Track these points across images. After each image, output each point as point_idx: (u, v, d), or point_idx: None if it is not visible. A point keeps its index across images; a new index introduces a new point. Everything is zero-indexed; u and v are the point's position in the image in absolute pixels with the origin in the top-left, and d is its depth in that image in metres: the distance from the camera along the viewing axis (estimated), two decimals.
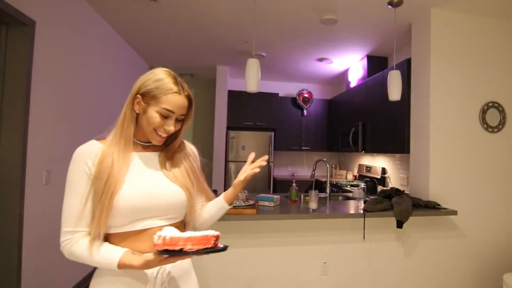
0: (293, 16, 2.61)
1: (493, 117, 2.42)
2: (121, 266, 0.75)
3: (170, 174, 0.90)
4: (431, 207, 2.16)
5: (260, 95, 4.47)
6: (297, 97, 4.67)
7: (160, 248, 0.67)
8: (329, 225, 2.12)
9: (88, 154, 0.82)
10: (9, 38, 1.75)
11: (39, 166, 1.95)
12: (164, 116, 0.84)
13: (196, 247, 0.68)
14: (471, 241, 2.36)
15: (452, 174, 2.34)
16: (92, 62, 2.63)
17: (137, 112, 0.86)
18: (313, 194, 2.08)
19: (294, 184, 2.39)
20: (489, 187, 2.40)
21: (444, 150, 2.34)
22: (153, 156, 0.92)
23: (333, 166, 4.91)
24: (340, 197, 2.79)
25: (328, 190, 2.54)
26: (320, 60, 3.80)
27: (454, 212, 2.15)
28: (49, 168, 2.06)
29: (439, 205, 2.21)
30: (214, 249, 0.71)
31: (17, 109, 1.75)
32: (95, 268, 0.84)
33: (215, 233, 0.73)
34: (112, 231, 0.81)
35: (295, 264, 2.08)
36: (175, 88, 0.85)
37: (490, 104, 2.42)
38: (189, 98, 0.89)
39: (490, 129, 2.41)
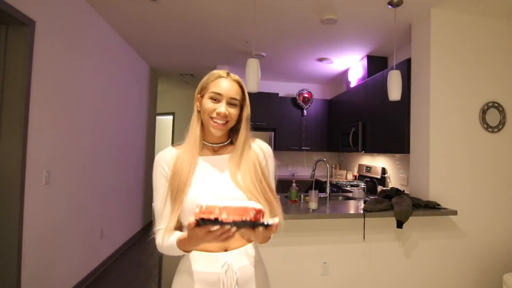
0: (293, 16, 2.61)
1: (493, 117, 2.42)
2: (180, 244, 0.79)
3: (235, 177, 0.90)
4: (431, 207, 2.16)
5: (260, 95, 4.47)
6: (297, 97, 4.67)
7: (197, 217, 0.65)
8: (329, 225, 2.12)
9: (164, 159, 0.91)
10: (9, 38, 1.75)
11: (39, 166, 1.95)
12: (214, 100, 0.88)
13: (231, 217, 0.64)
14: (471, 241, 2.36)
15: (452, 174, 2.34)
16: (92, 62, 2.63)
17: (198, 110, 0.92)
18: (313, 194, 2.08)
19: (294, 184, 2.39)
20: (489, 187, 2.40)
21: (444, 150, 2.34)
22: (223, 159, 0.94)
23: (333, 166, 4.91)
24: (340, 197, 2.79)
25: (328, 190, 2.54)
26: (320, 60, 3.80)
27: (454, 212, 2.15)
28: (49, 168, 2.06)
29: (439, 205, 2.21)
30: (254, 224, 0.66)
31: (17, 109, 1.75)
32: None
33: (257, 206, 0.68)
34: (185, 230, 0.84)
35: (295, 264, 2.08)
36: (221, 73, 0.91)
37: (490, 104, 2.42)
38: (238, 83, 0.92)
39: (490, 129, 2.41)
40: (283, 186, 4.35)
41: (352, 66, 4.00)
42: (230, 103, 0.89)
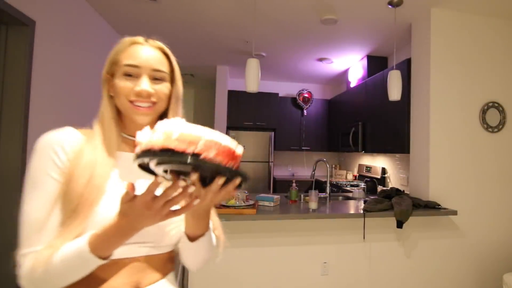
0: (293, 16, 2.61)
1: (493, 117, 2.42)
2: (98, 242, 0.52)
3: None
4: (431, 207, 2.16)
5: (260, 95, 4.47)
6: (297, 97, 4.67)
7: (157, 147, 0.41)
8: (329, 225, 2.12)
9: (60, 142, 0.61)
10: (9, 38, 1.75)
11: None
12: (130, 75, 0.64)
13: (219, 159, 0.41)
14: (471, 241, 2.36)
15: (452, 174, 2.34)
16: (92, 62, 2.63)
17: (111, 94, 0.67)
18: (313, 194, 2.07)
19: (294, 184, 2.39)
20: (489, 187, 2.40)
21: (444, 150, 2.34)
22: None
23: (333, 166, 4.91)
24: (340, 197, 2.79)
25: (328, 190, 2.54)
26: (320, 60, 3.80)
27: (454, 212, 2.15)
28: None
29: (439, 205, 2.21)
30: (238, 174, 0.45)
31: (17, 109, 1.75)
32: None
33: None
34: None
35: (295, 264, 2.08)
36: (134, 40, 0.69)
37: (490, 104, 2.42)
38: (162, 50, 0.71)
39: (490, 129, 2.41)
40: (283, 186, 4.36)
41: (352, 66, 4.00)
42: (154, 78, 0.66)
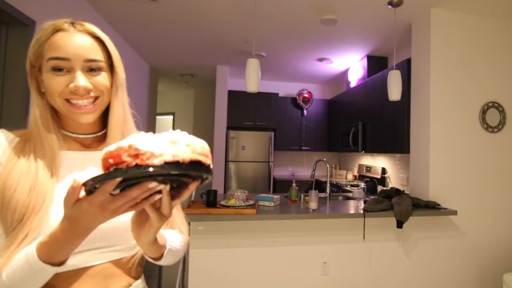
0: (293, 16, 2.61)
1: (493, 117, 2.42)
2: (46, 249, 0.46)
3: None
4: (431, 207, 2.16)
5: (260, 95, 4.47)
6: (297, 97, 4.67)
7: (106, 167, 0.38)
8: (329, 225, 2.12)
9: None
10: (9, 38, 1.75)
11: None
12: (60, 70, 0.55)
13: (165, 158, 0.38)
14: (471, 241, 2.36)
15: (452, 174, 2.34)
16: None
17: (42, 90, 0.58)
18: (313, 194, 2.08)
19: (294, 184, 2.39)
20: (489, 187, 2.40)
21: (444, 150, 2.34)
22: (98, 156, 0.58)
23: (333, 166, 4.91)
24: (340, 197, 2.79)
25: (328, 190, 2.54)
26: (320, 60, 3.80)
27: (454, 212, 2.15)
28: None
29: (439, 205, 2.21)
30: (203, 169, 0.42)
31: (17, 109, 1.75)
32: None
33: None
34: None
35: (295, 264, 2.08)
36: (58, 25, 0.57)
37: (490, 104, 2.42)
38: (93, 35, 0.60)
39: (490, 129, 2.41)
40: (283, 186, 4.36)
41: (352, 66, 4.00)
42: (89, 69, 0.57)
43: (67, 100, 0.56)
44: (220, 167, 4.26)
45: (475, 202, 2.37)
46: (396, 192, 2.35)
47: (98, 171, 0.41)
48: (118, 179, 0.39)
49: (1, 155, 0.54)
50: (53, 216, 0.53)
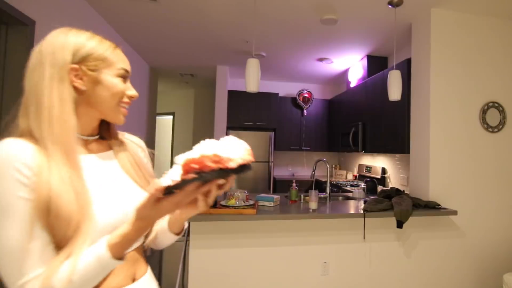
0: (293, 16, 2.61)
1: (493, 117, 2.42)
2: (114, 250, 0.53)
3: (133, 176, 0.71)
4: (431, 207, 2.16)
5: (260, 95, 4.47)
6: (297, 97, 4.67)
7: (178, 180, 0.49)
8: (329, 225, 2.12)
9: (18, 157, 0.53)
10: (9, 38, 1.75)
11: None
12: (124, 78, 0.69)
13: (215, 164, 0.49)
14: (471, 241, 2.36)
15: (452, 174, 2.34)
16: None
17: (83, 88, 0.62)
18: (313, 194, 2.07)
19: (294, 184, 2.39)
20: (489, 187, 2.40)
21: (444, 150, 2.34)
22: (107, 157, 0.70)
23: (333, 166, 4.91)
24: (340, 197, 2.79)
25: (328, 190, 2.54)
26: (320, 60, 3.80)
27: (454, 212, 2.15)
28: None
29: (439, 205, 2.21)
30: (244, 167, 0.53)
31: (17, 109, 1.75)
32: None
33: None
34: None
35: (295, 264, 2.08)
36: (116, 44, 0.71)
37: (490, 104, 2.42)
38: None
39: (490, 129, 2.41)
40: (283, 186, 4.36)
41: (352, 66, 4.00)
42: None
43: (121, 103, 0.67)
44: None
45: (475, 202, 2.37)
46: (396, 192, 2.35)
47: (174, 173, 0.50)
48: (201, 181, 0.50)
49: (34, 167, 0.54)
50: (100, 218, 0.58)
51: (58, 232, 0.54)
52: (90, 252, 0.53)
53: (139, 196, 0.66)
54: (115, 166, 0.70)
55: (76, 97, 0.62)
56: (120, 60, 0.67)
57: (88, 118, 0.66)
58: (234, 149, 0.50)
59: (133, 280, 0.67)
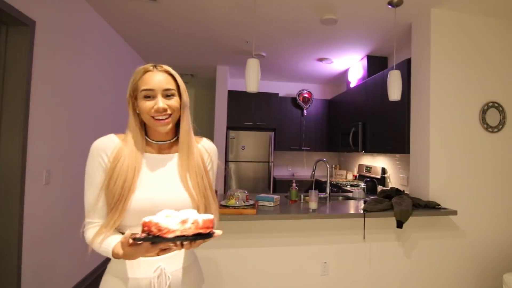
0: (293, 16, 2.61)
1: (493, 117, 2.42)
2: (115, 256, 0.75)
3: (185, 180, 0.88)
4: (431, 207, 2.16)
5: (260, 95, 4.47)
6: (297, 97, 4.67)
7: (143, 234, 0.65)
8: (329, 225, 2.12)
9: (104, 149, 0.84)
10: (9, 38, 1.75)
11: (39, 166, 1.95)
12: (148, 97, 0.83)
13: (179, 232, 0.67)
14: (471, 241, 2.36)
15: (452, 174, 2.34)
16: (92, 62, 2.63)
17: (137, 111, 0.87)
18: (313, 194, 2.07)
19: (294, 184, 2.39)
20: (489, 187, 2.40)
21: (444, 150, 2.34)
22: (170, 158, 0.90)
23: (333, 166, 4.91)
24: (340, 197, 2.79)
25: (328, 190, 2.54)
26: (320, 60, 3.80)
27: (454, 212, 2.15)
28: (49, 168, 2.06)
29: (439, 205, 2.21)
30: (205, 235, 0.69)
31: (17, 109, 1.75)
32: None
33: (207, 217, 0.70)
34: (125, 230, 0.81)
35: (295, 264, 2.08)
36: (147, 67, 0.86)
37: (490, 104, 2.42)
38: (168, 72, 0.87)
39: (490, 129, 2.41)
40: (283, 186, 4.36)
41: (352, 66, 4.00)
42: (166, 95, 0.85)
43: (153, 117, 0.83)
44: (220, 167, 4.25)
45: (475, 202, 2.37)
46: (396, 192, 2.35)
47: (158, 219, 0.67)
48: (148, 242, 0.67)
49: (110, 155, 0.83)
50: (133, 204, 0.80)
51: (109, 201, 0.81)
52: (109, 242, 0.77)
53: (175, 194, 0.85)
54: (171, 166, 0.89)
55: (138, 117, 0.88)
56: (143, 83, 0.84)
57: (151, 129, 0.89)
58: (177, 223, 0.66)
59: (158, 254, 0.80)
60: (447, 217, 2.30)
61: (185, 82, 5.90)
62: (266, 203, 2.12)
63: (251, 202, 2.00)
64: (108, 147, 0.85)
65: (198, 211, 0.84)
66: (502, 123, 2.44)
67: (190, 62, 4.11)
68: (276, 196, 2.16)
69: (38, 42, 1.89)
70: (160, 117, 0.83)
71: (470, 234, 2.35)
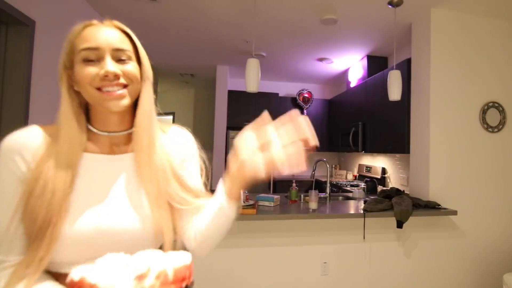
0: (293, 16, 2.61)
1: (493, 117, 2.42)
2: None
3: (146, 190, 0.60)
4: (431, 207, 2.16)
5: (260, 95, 4.47)
6: (297, 97, 4.67)
7: None
8: (329, 225, 2.12)
9: (19, 149, 0.55)
10: (9, 38, 1.75)
11: None
12: (90, 61, 0.56)
13: None
14: (471, 241, 2.36)
15: (452, 174, 2.34)
16: None
17: (73, 87, 0.59)
18: (313, 194, 2.07)
19: (294, 184, 2.39)
20: (489, 187, 2.40)
21: (444, 150, 2.34)
22: (120, 160, 0.61)
23: (333, 166, 4.91)
24: (340, 197, 2.79)
25: (328, 190, 2.54)
26: (320, 60, 3.80)
27: (454, 212, 2.15)
28: None
29: (439, 205, 2.21)
30: None
31: (17, 109, 1.75)
32: None
33: (185, 262, 0.47)
34: (62, 270, 0.54)
35: (295, 264, 2.08)
36: (88, 22, 0.59)
37: (490, 104, 2.42)
38: (121, 29, 0.61)
39: (490, 129, 2.41)
40: (283, 186, 4.35)
41: (352, 66, 4.00)
42: (119, 59, 0.58)
43: (98, 89, 0.56)
44: (220, 168, 4.26)
45: (475, 202, 2.37)
46: (396, 192, 2.35)
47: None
48: None
49: (29, 158, 0.54)
50: (69, 230, 0.52)
51: (29, 227, 0.51)
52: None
53: (131, 217, 0.57)
54: (125, 172, 0.61)
55: (74, 96, 0.59)
56: (82, 41, 0.56)
57: (97, 112, 0.60)
58: (130, 280, 0.42)
59: None
60: (447, 217, 2.30)
61: (185, 82, 5.86)
62: (266, 203, 2.12)
63: (251, 202, 1.99)
64: (27, 145, 0.55)
65: (165, 231, 0.59)
66: (502, 123, 2.44)
67: (190, 62, 4.10)
68: (276, 196, 2.16)
69: (38, 42, 1.88)
70: (110, 88, 0.56)
71: (470, 234, 2.35)
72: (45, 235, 0.50)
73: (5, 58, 1.74)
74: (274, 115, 0.54)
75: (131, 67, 0.59)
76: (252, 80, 2.16)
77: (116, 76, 0.56)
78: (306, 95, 4.67)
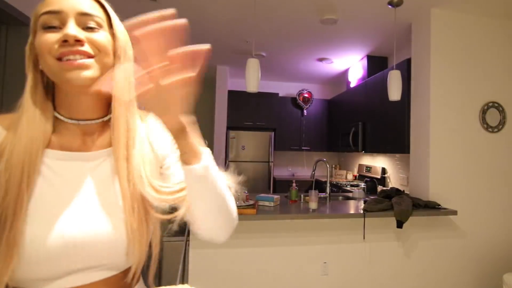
0: (293, 16, 2.61)
1: (493, 117, 2.42)
2: None
3: (126, 198, 0.50)
4: (431, 207, 2.16)
5: (260, 95, 4.47)
6: (297, 97, 4.67)
7: None
8: (329, 225, 2.12)
9: None
10: (9, 38, 1.75)
11: None
12: (51, 28, 0.47)
13: None
14: (471, 241, 2.36)
15: (452, 174, 2.34)
16: None
17: (39, 67, 0.51)
18: (313, 194, 2.08)
19: (294, 184, 2.39)
20: (489, 187, 2.40)
21: (444, 150, 2.34)
22: (94, 158, 0.52)
23: (333, 166, 4.92)
24: (340, 197, 2.79)
25: (328, 190, 2.54)
26: (320, 60, 3.80)
27: (454, 212, 2.15)
28: None
29: (439, 205, 2.21)
30: None
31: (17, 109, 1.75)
32: None
33: None
34: (29, 285, 0.46)
35: (295, 264, 2.08)
36: None
37: (490, 104, 2.42)
38: None
39: (490, 129, 2.41)
40: (283, 186, 4.36)
41: (352, 66, 4.00)
42: (86, 26, 0.49)
43: (58, 59, 0.47)
44: (220, 168, 4.26)
45: (475, 202, 2.37)
46: (396, 192, 2.35)
47: None
48: None
49: None
50: (28, 238, 0.44)
51: None
52: None
53: (106, 228, 0.49)
54: (100, 173, 0.52)
55: (40, 77, 0.52)
56: (45, 5, 0.47)
57: (63, 94, 0.51)
58: None
59: None
60: (447, 217, 2.30)
61: None
62: (266, 203, 2.12)
63: (251, 202, 2.00)
64: None
65: (139, 239, 0.51)
66: (502, 123, 2.44)
67: None
68: (276, 196, 2.16)
69: None
70: (72, 56, 0.47)
71: (470, 234, 2.35)
72: (0, 242, 0.42)
73: (5, 58, 1.74)
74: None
75: (100, 36, 0.50)
76: (252, 80, 2.16)
77: (79, 42, 0.47)
78: (306, 95, 4.67)
